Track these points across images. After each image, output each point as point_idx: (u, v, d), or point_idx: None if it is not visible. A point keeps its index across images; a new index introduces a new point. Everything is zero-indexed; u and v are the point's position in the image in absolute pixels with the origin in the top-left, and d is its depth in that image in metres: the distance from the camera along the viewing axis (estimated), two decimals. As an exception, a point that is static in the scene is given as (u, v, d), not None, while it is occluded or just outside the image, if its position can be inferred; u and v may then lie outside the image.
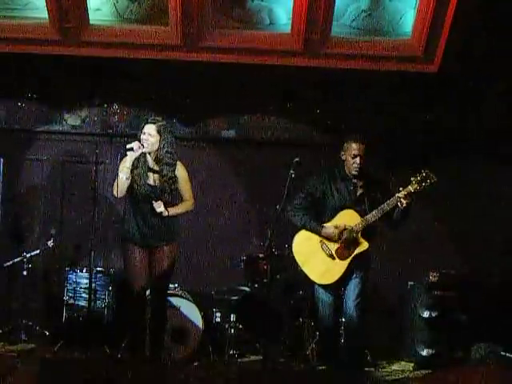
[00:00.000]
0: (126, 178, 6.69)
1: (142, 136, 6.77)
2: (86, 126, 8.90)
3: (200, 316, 7.73)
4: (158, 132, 6.77)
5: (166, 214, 6.77)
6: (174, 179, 6.86)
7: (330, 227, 6.80)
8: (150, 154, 6.80)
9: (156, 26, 8.41)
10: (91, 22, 8.38)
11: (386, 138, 8.70)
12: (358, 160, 6.79)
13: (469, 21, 8.02)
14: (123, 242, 6.87)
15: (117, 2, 8.36)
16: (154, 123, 6.80)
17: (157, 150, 6.78)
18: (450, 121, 8.78)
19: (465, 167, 8.73)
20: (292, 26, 8.33)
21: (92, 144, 8.54)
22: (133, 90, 8.71)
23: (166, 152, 6.80)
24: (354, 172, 6.83)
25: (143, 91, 8.73)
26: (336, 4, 8.14)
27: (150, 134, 6.75)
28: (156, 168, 6.82)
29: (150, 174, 6.82)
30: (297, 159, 6.97)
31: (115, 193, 6.70)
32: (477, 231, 8.69)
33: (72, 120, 8.89)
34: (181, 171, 6.93)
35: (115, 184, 6.68)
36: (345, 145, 6.89)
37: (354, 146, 6.80)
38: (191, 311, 7.72)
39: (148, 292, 6.98)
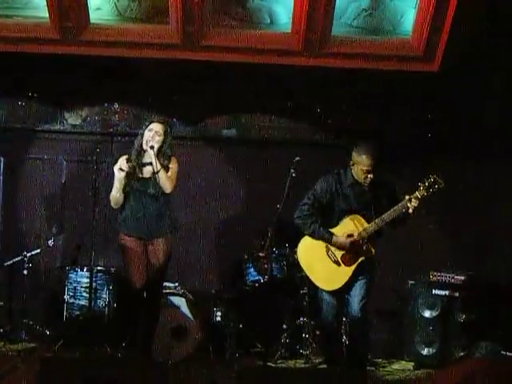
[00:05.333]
0: (120, 194, 7.01)
1: (148, 133, 7.02)
2: (87, 125, 8.89)
3: (200, 315, 7.73)
4: (165, 133, 7.05)
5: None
6: (167, 167, 7.02)
7: (341, 237, 6.75)
8: (150, 150, 6.95)
9: (156, 25, 8.40)
10: (92, 21, 8.37)
11: (387, 138, 8.70)
12: (369, 176, 6.72)
13: (469, 20, 8.01)
14: (119, 235, 7.06)
15: (117, 1, 8.36)
16: (163, 123, 7.12)
17: (157, 150, 6.95)
18: (451, 121, 8.77)
19: (466, 167, 8.73)
20: (292, 26, 8.32)
21: (92, 143, 8.55)
22: (133, 89, 8.71)
23: (164, 154, 7.02)
24: (365, 185, 6.78)
25: (144, 90, 8.73)
26: (336, 3, 8.13)
27: (157, 133, 7.02)
28: (149, 161, 7.00)
29: (144, 168, 7.03)
30: (297, 158, 6.98)
31: (112, 205, 7.10)
32: (478, 231, 8.69)
33: (73, 119, 8.89)
34: (173, 163, 7.09)
35: (111, 197, 7.07)
36: (355, 156, 6.75)
37: (366, 161, 6.68)
38: (191, 310, 7.73)
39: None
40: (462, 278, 8.10)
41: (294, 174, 6.94)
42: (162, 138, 7.00)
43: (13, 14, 8.39)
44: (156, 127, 7.04)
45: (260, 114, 8.96)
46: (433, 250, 8.63)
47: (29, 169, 8.88)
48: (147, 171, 7.03)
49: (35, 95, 8.80)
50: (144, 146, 6.99)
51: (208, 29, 8.38)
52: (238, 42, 8.44)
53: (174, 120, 8.79)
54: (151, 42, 8.43)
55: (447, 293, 7.99)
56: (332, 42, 8.43)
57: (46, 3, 8.14)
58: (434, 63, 8.48)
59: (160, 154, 6.97)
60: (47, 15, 8.24)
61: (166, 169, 6.98)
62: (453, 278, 8.08)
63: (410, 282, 8.24)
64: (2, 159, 8.66)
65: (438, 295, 8.00)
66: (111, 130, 8.83)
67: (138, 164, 7.03)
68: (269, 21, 8.46)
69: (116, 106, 8.86)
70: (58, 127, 8.90)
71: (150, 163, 6.96)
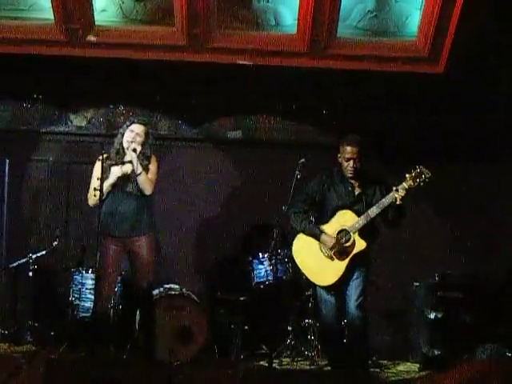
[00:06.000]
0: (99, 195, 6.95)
1: (130, 133, 7.05)
2: (92, 126, 8.91)
3: (205, 317, 7.73)
4: (146, 134, 7.09)
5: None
6: (147, 168, 7.03)
7: (327, 236, 6.77)
8: (132, 152, 6.98)
9: (162, 27, 8.41)
10: (97, 23, 8.39)
11: (391, 139, 8.71)
12: (351, 163, 6.79)
13: (474, 22, 8.01)
14: (99, 234, 6.99)
15: (122, 3, 8.37)
16: (144, 125, 7.14)
17: (139, 152, 7.01)
18: (456, 122, 8.76)
19: (470, 167, 8.72)
20: (298, 27, 8.33)
21: (97, 145, 8.54)
22: (138, 90, 8.72)
23: (144, 154, 7.05)
24: (348, 174, 6.84)
25: (149, 92, 8.74)
26: (342, 5, 8.14)
27: (139, 134, 7.06)
28: (129, 160, 7.01)
29: (124, 166, 7.04)
30: (302, 160, 6.98)
31: (90, 204, 7.10)
32: (482, 232, 8.68)
33: (77, 121, 8.90)
34: (153, 164, 7.11)
35: (89, 195, 7.07)
36: (341, 148, 6.88)
37: (347, 149, 6.81)
38: (196, 312, 7.72)
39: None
40: (467, 279, 8.09)
41: (299, 176, 6.95)
42: (143, 139, 7.03)
43: (18, 16, 8.40)
44: (137, 129, 7.06)
45: (265, 115, 8.96)
46: (438, 252, 8.62)
47: (33, 170, 8.89)
48: (126, 169, 7.04)
49: (40, 97, 8.82)
50: (125, 145, 7.02)
51: (213, 31, 8.39)
52: (243, 44, 8.46)
53: (180, 121, 8.82)
54: (156, 43, 8.44)
55: (452, 294, 7.98)
56: (337, 43, 8.44)
57: (51, 5, 8.15)
58: (440, 65, 8.48)
59: (140, 155, 7.00)
60: (52, 17, 8.25)
61: (147, 170, 7.01)
62: (458, 279, 8.07)
63: (415, 283, 8.24)
64: (6, 161, 8.67)
65: (442, 297, 7.99)
66: (116, 131, 8.82)
67: (118, 163, 7.04)
68: (274, 22, 8.46)
69: (121, 107, 8.88)
70: (62, 129, 8.92)
71: (130, 161, 6.98)
